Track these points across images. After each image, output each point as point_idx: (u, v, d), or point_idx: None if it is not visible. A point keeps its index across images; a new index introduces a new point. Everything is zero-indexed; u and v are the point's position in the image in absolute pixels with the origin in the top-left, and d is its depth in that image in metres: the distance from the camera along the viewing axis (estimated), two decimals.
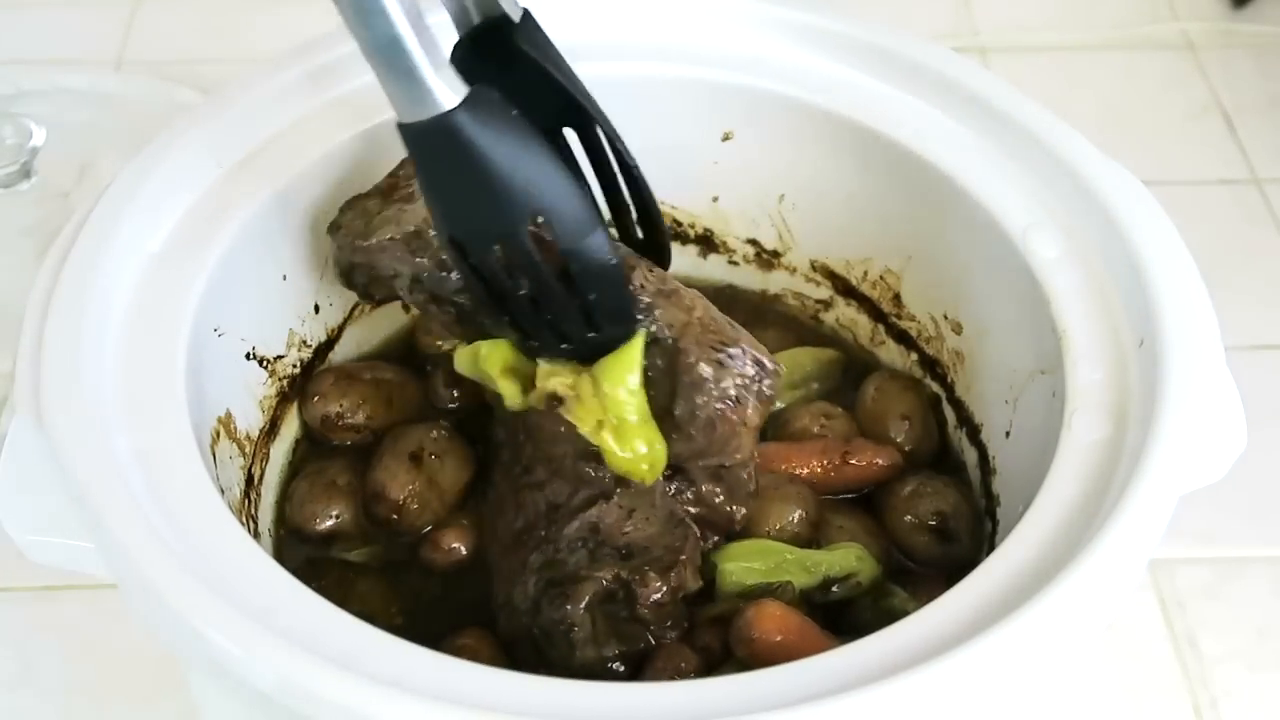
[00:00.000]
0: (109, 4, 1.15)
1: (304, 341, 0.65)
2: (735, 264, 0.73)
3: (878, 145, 0.63)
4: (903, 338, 0.69)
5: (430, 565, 0.60)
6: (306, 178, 0.61)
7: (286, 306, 0.64)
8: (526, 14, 0.55)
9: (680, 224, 0.72)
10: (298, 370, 0.65)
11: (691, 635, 0.55)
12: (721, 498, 0.57)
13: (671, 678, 0.53)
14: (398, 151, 0.64)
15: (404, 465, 0.61)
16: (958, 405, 0.65)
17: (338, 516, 0.61)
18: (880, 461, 0.62)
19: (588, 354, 0.54)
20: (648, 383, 0.55)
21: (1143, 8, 1.16)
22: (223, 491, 0.51)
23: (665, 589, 0.54)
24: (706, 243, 0.72)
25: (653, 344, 0.55)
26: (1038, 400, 0.57)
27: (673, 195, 0.71)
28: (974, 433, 0.64)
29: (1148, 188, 0.58)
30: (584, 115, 0.57)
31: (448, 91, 0.47)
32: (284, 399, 0.64)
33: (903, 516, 0.61)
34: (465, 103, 0.47)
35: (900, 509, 0.61)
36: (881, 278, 0.69)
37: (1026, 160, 0.60)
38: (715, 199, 0.71)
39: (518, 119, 0.49)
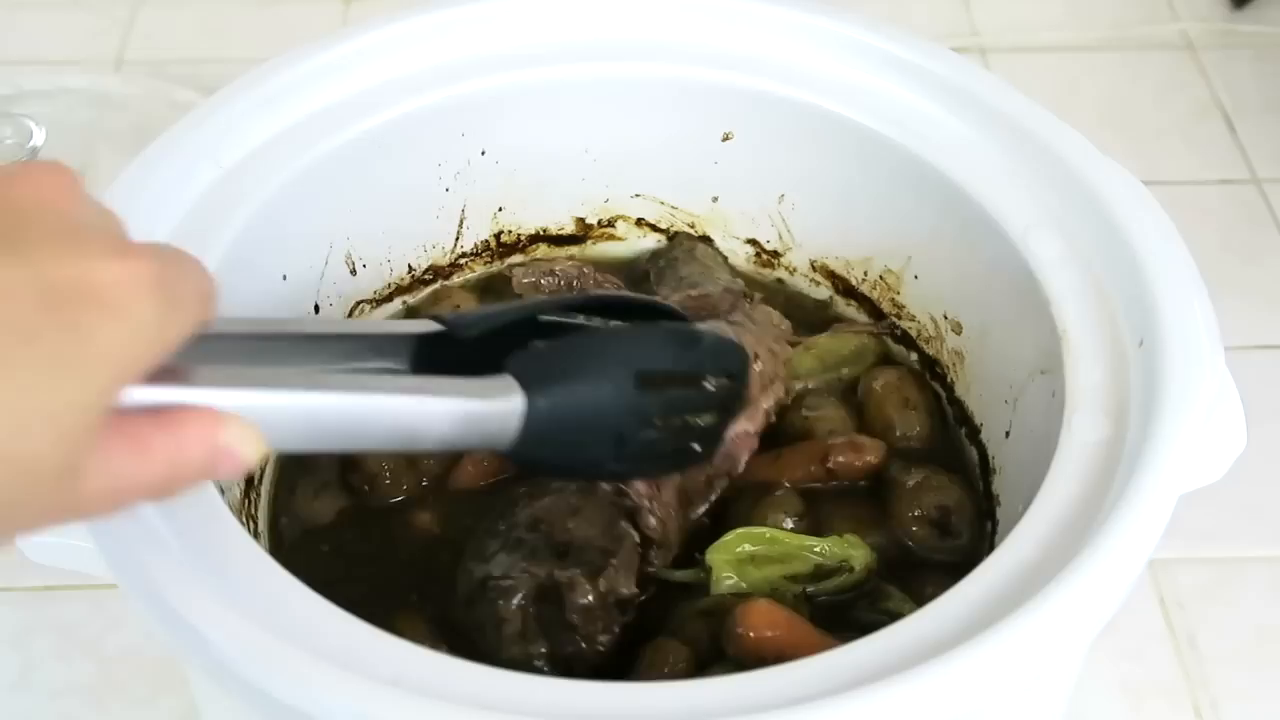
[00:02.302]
0: (109, 4, 1.15)
1: None
2: (735, 264, 0.73)
3: (877, 145, 0.63)
4: (902, 338, 0.69)
5: (397, 540, 0.60)
6: (307, 178, 0.61)
7: (286, 306, 0.64)
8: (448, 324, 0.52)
9: (680, 224, 0.72)
10: None
11: (680, 629, 0.55)
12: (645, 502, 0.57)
13: (664, 673, 0.53)
14: (397, 153, 0.65)
15: None
16: (958, 405, 0.66)
17: (340, 517, 0.61)
18: (869, 460, 0.62)
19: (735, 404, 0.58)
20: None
21: (1143, 8, 1.16)
22: (223, 491, 0.51)
23: (593, 593, 0.54)
24: (706, 243, 0.72)
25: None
26: (1038, 400, 0.57)
27: (673, 195, 0.71)
28: (974, 433, 0.64)
29: (1148, 188, 0.58)
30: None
31: (510, 396, 0.47)
32: None
33: (907, 508, 0.61)
34: (529, 386, 0.48)
35: (905, 500, 0.61)
36: (881, 278, 0.69)
37: (1026, 160, 0.60)
38: (715, 199, 0.71)
39: (566, 345, 0.51)
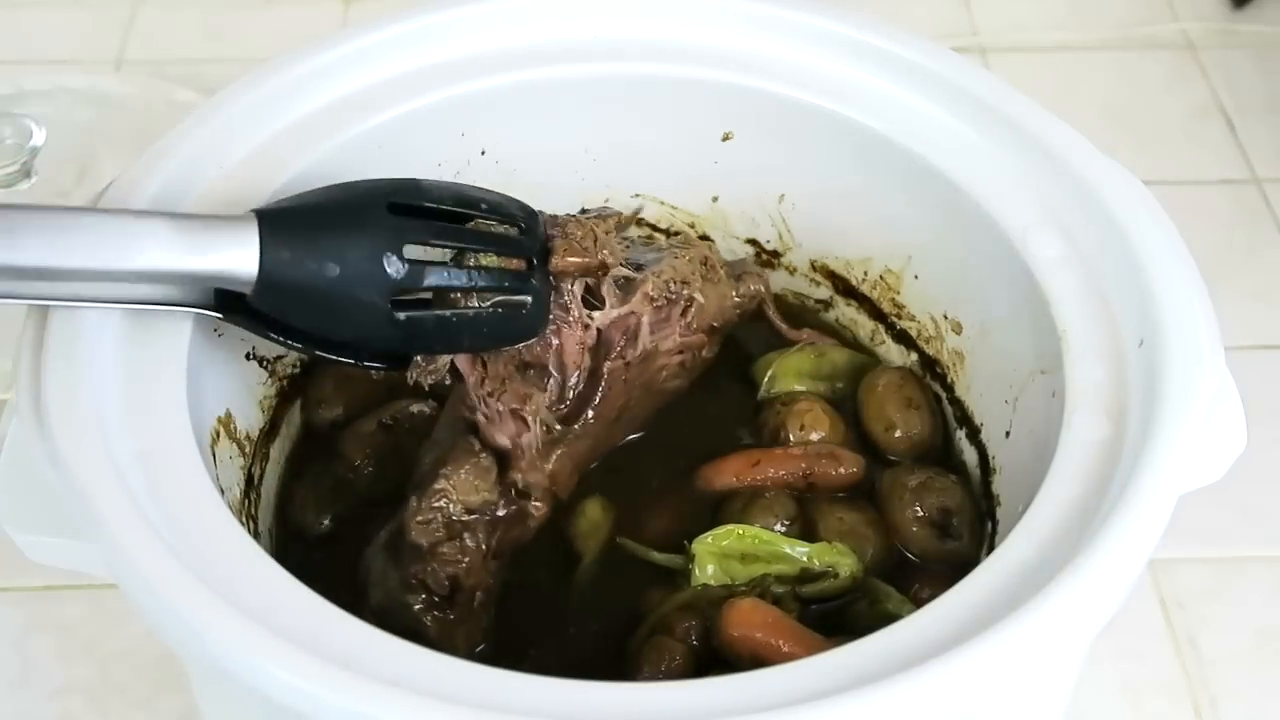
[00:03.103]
0: (109, 4, 1.15)
1: None
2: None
3: (878, 145, 0.63)
4: (902, 338, 0.69)
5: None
6: (306, 178, 0.61)
7: None
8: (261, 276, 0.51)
9: (680, 224, 0.72)
10: (298, 370, 0.65)
11: (667, 624, 0.55)
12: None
13: (661, 670, 0.53)
14: (397, 153, 0.65)
15: (371, 430, 0.61)
16: (958, 405, 0.66)
17: (339, 517, 0.61)
18: (847, 472, 0.62)
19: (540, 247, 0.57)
20: None
21: (1143, 8, 1.16)
22: (223, 491, 0.51)
23: (427, 508, 0.53)
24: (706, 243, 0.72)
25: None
26: (1038, 400, 0.57)
27: (673, 195, 0.71)
28: (974, 433, 0.64)
29: (1148, 188, 0.58)
30: None
31: (245, 224, 0.48)
32: (284, 399, 0.64)
33: (907, 508, 0.61)
34: (264, 215, 0.49)
35: (907, 500, 0.61)
36: (881, 278, 0.69)
37: (1026, 160, 0.60)
38: (715, 199, 0.71)
39: (305, 205, 0.51)
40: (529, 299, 0.55)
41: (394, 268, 0.51)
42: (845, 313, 0.71)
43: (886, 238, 0.67)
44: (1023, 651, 0.43)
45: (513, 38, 0.66)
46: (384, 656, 0.43)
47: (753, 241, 0.72)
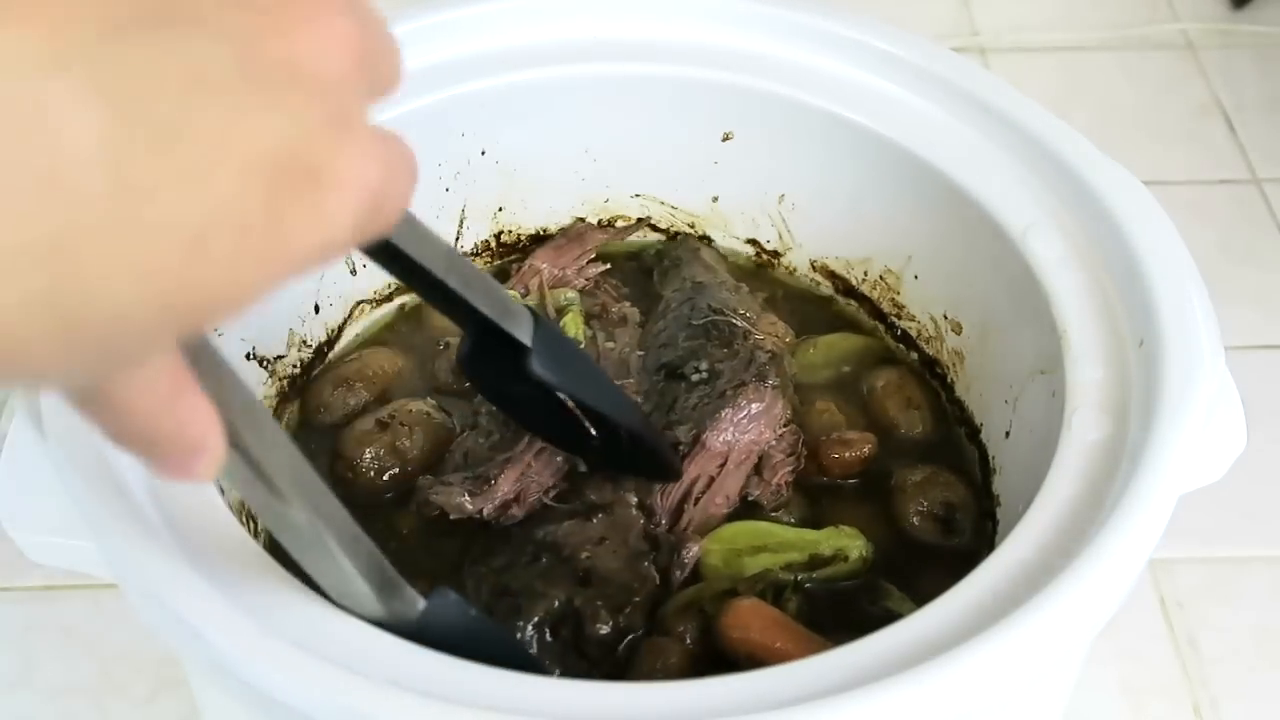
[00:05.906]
0: None
1: (304, 341, 0.65)
2: (736, 264, 0.73)
3: (878, 145, 0.63)
4: (903, 338, 0.69)
5: (394, 536, 0.60)
6: None
7: (286, 306, 0.64)
8: (536, 342, 0.51)
9: (680, 224, 0.72)
10: (298, 370, 0.65)
11: (665, 624, 0.55)
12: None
13: (659, 670, 0.53)
14: None
15: (370, 428, 0.61)
16: (957, 405, 0.66)
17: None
18: (860, 453, 0.62)
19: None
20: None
21: (1143, 8, 1.16)
22: (223, 491, 0.51)
23: (612, 628, 0.54)
24: (706, 243, 0.72)
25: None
26: (1038, 400, 0.57)
27: (673, 195, 0.71)
28: (974, 433, 0.64)
29: (1148, 188, 0.58)
30: (605, 423, 0.56)
31: (415, 602, 0.46)
32: (284, 399, 0.64)
33: (910, 502, 0.61)
34: (423, 616, 0.46)
35: (911, 494, 0.61)
36: (881, 278, 0.69)
37: (1026, 160, 0.60)
38: (715, 199, 0.71)
39: (477, 620, 0.49)
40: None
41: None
42: (846, 312, 0.71)
43: (886, 238, 0.67)
44: (1023, 651, 0.43)
45: (513, 38, 0.66)
46: (384, 656, 0.43)
47: (753, 242, 0.72)
